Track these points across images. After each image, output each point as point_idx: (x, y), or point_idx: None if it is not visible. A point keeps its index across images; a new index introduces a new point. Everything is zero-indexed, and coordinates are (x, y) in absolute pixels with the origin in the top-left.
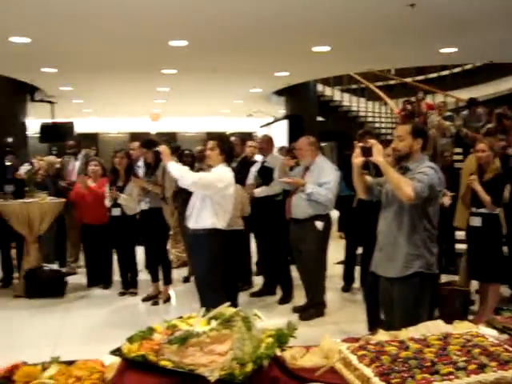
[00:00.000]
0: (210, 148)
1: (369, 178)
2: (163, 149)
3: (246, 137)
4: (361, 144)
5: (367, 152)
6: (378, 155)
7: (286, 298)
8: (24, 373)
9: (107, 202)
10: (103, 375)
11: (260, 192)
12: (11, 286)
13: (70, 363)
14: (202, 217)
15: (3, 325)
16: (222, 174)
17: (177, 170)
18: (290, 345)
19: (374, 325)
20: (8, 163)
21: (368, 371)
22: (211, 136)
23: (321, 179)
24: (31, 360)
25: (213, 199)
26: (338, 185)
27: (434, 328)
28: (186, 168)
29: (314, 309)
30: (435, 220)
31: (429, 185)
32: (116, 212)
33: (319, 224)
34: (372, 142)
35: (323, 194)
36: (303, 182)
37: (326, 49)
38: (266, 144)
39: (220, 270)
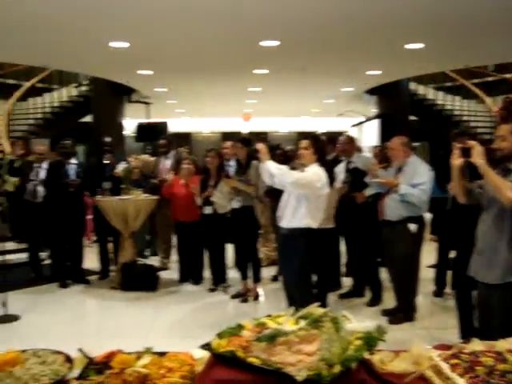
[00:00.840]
0: (304, 147)
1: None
2: (261, 147)
3: (335, 136)
4: (460, 145)
5: (466, 153)
6: (478, 157)
7: (374, 301)
8: (120, 360)
9: (198, 200)
10: (193, 368)
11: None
12: (108, 278)
13: (161, 354)
14: (297, 216)
15: (100, 314)
16: (319, 173)
17: (276, 169)
18: (378, 348)
19: (466, 332)
20: (106, 161)
21: (461, 382)
22: (304, 135)
23: (414, 180)
24: (125, 348)
25: (309, 199)
26: (431, 186)
27: None
28: (285, 167)
29: (403, 313)
30: None
31: None
32: (208, 210)
33: (412, 226)
34: (471, 143)
35: (416, 195)
36: (396, 183)
37: (420, 46)
38: (347, 145)
39: (311, 270)
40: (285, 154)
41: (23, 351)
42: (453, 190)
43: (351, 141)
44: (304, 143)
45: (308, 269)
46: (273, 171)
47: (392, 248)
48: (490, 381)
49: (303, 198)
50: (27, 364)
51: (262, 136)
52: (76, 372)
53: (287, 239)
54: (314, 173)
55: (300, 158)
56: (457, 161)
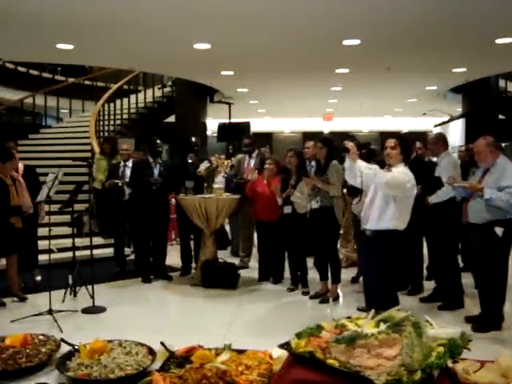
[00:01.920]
0: (392, 146)
1: None
2: (351, 146)
3: (419, 136)
4: None
5: None
6: None
7: (454, 306)
8: (200, 355)
9: (279, 200)
10: (271, 366)
11: (433, 199)
12: (189, 275)
13: (240, 352)
14: (384, 218)
15: (181, 310)
16: (408, 174)
17: (367, 169)
18: (462, 357)
19: None
20: (189, 161)
21: None
22: (391, 135)
23: (502, 182)
24: (204, 344)
25: (398, 200)
26: None
27: None
28: (376, 166)
29: (489, 320)
30: None
31: None
32: (287, 210)
33: (499, 230)
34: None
35: (504, 199)
36: (480, 187)
37: (509, 40)
38: (435, 144)
39: (395, 272)
40: (370, 152)
41: (109, 341)
42: None
43: (439, 140)
44: (392, 142)
45: (392, 271)
46: (364, 171)
47: (477, 252)
48: None
49: (391, 199)
50: (113, 353)
51: (350, 135)
52: (158, 364)
53: (372, 241)
54: (404, 173)
55: (387, 158)
56: None
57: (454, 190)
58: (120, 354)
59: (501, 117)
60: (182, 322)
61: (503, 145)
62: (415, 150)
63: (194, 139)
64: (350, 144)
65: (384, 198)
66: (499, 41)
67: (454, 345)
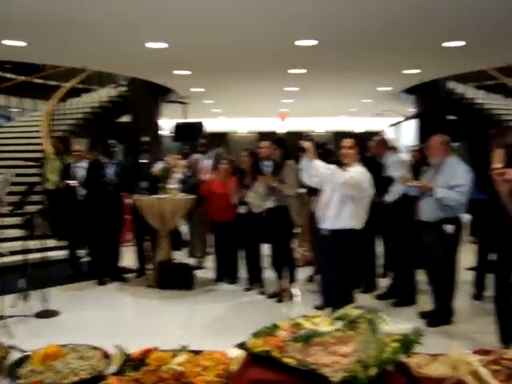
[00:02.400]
0: (349, 146)
1: None
2: (308, 146)
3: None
4: (500, 150)
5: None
6: None
7: (406, 302)
8: (156, 357)
9: (234, 200)
10: (228, 367)
11: (389, 197)
12: (145, 277)
13: (197, 353)
14: (341, 218)
15: (137, 312)
16: (365, 173)
17: (325, 169)
18: (415, 351)
19: (506, 337)
20: (143, 161)
21: None
22: (346, 135)
23: (452, 181)
24: (161, 346)
25: (355, 199)
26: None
27: None
28: (334, 167)
29: (440, 315)
30: None
31: None
32: (243, 210)
33: (449, 227)
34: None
35: (454, 198)
36: (431, 186)
37: (460, 44)
38: (376, 148)
39: (352, 271)
40: (326, 152)
41: (63, 346)
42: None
43: (381, 142)
44: (349, 142)
45: (349, 270)
46: (321, 171)
47: (429, 249)
48: None
49: (348, 198)
50: (67, 358)
51: (306, 135)
52: (113, 368)
53: (329, 240)
54: (361, 173)
55: (344, 158)
56: (504, 189)
57: (406, 188)
58: (74, 358)
59: (451, 117)
60: (138, 324)
61: (454, 145)
62: (369, 149)
63: (145, 139)
64: (306, 144)
65: (341, 198)
66: (448, 44)
67: (408, 340)
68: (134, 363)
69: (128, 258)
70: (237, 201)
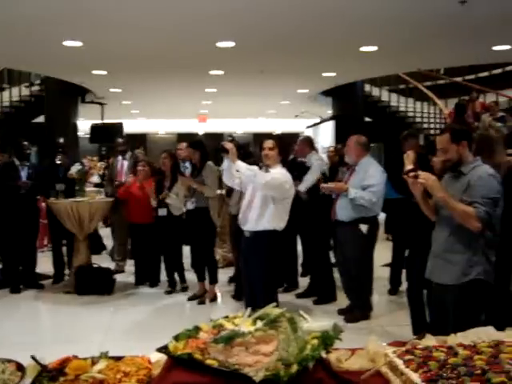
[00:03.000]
0: (270, 147)
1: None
2: (230, 147)
3: (293, 138)
4: (410, 152)
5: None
6: (438, 191)
7: (326, 300)
8: (75, 366)
9: (153, 203)
10: (150, 372)
11: (301, 187)
12: (62, 282)
13: (117, 359)
14: (263, 219)
15: (54, 319)
16: (287, 174)
17: (247, 170)
18: (335, 347)
19: (418, 328)
20: (58, 162)
21: (415, 376)
22: (268, 136)
23: (365, 181)
24: (80, 354)
25: (277, 200)
26: (385, 187)
27: (484, 335)
28: (255, 168)
29: (359, 311)
30: (497, 226)
31: (493, 202)
32: (162, 212)
33: (364, 227)
34: (427, 178)
35: (367, 198)
36: (345, 187)
37: (373, 49)
38: (302, 146)
39: (275, 271)
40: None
41: None
42: (425, 212)
43: (305, 142)
44: (270, 143)
45: (273, 271)
46: (244, 171)
47: (344, 248)
48: (441, 374)
49: (270, 199)
50: None
51: (230, 135)
52: (28, 380)
53: (251, 241)
54: (283, 174)
55: (265, 158)
56: (417, 190)
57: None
58: None
59: (367, 119)
60: (56, 333)
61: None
62: (293, 151)
63: (60, 140)
64: (228, 145)
65: (263, 199)
66: (362, 48)
67: (327, 336)
68: (50, 374)
69: (45, 263)
70: (156, 203)
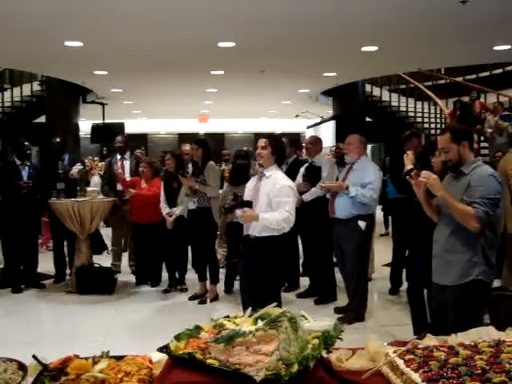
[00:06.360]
0: (263, 146)
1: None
2: (246, 216)
3: (295, 138)
4: (409, 152)
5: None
6: (438, 190)
7: (327, 299)
8: (76, 365)
9: (164, 208)
10: (151, 371)
11: (309, 197)
12: (63, 282)
13: (119, 358)
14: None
15: (56, 319)
16: (288, 181)
17: (271, 223)
18: (335, 347)
19: (419, 328)
20: (60, 162)
21: (415, 376)
22: (264, 135)
23: (364, 179)
24: (82, 353)
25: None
26: (382, 187)
27: (485, 334)
28: (277, 214)
29: (353, 311)
30: (498, 227)
31: (493, 202)
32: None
33: (362, 224)
34: (428, 177)
35: (368, 195)
36: (345, 186)
37: (374, 49)
38: (312, 145)
39: (279, 274)
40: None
41: None
42: (428, 213)
43: (316, 141)
44: (262, 142)
45: (279, 271)
46: (275, 225)
47: (343, 245)
48: (442, 374)
49: (274, 205)
50: None
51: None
52: (29, 380)
53: (257, 244)
54: (290, 186)
55: (258, 158)
56: (420, 193)
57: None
58: None
59: (367, 119)
60: (57, 332)
61: (370, 146)
62: (293, 151)
63: (57, 140)
64: (241, 213)
65: (267, 205)
66: (363, 49)
67: (328, 336)
68: (52, 373)
69: (46, 263)
70: (166, 210)
